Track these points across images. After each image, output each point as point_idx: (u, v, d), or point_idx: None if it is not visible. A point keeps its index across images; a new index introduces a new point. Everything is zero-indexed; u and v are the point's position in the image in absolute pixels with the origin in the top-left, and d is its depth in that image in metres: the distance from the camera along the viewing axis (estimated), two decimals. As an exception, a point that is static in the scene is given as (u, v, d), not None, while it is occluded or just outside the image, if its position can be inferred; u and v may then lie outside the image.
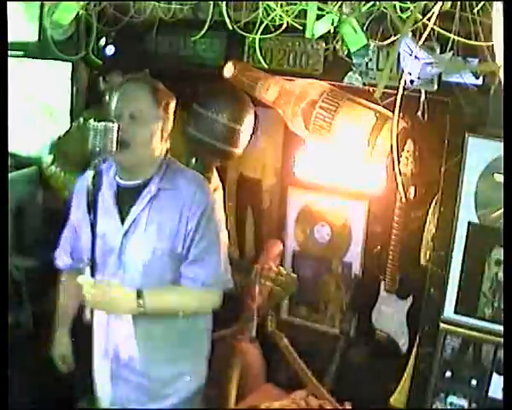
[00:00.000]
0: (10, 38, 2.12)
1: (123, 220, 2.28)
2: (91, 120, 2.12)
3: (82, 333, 2.59)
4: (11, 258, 3.07)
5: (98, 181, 2.14)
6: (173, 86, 2.36)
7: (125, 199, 2.29)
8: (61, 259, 2.56)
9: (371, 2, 2.20)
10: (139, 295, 2.20)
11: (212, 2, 2.62)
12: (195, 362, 2.46)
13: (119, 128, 2.14)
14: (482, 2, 2.02)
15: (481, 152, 2.49)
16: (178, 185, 2.27)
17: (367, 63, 2.69)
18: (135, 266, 2.27)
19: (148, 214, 2.25)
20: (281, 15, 2.38)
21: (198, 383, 2.46)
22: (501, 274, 2.51)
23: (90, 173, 2.14)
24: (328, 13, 2.23)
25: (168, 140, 2.33)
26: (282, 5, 2.36)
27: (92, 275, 2.21)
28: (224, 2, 2.53)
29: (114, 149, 2.12)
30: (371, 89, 2.69)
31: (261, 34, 2.57)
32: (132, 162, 2.25)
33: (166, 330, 2.35)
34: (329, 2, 2.21)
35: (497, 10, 1.75)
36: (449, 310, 2.61)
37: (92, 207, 2.15)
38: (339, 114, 2.75)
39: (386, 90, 2.41)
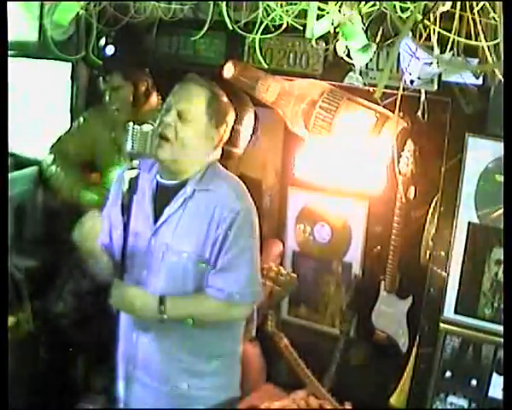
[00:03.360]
0: (10, 38, 2.12)
1: (156, 220, 2.25)
2: (130, 123, 2.13)
3: (102, 332, 2.59)
4: (11, 258, 3.07)
5: (134, 183, 2.13)
6: (173, 86, 2.36)
7: (162, 198, 2.27)
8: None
9: (371, 3, 2.20)
10: (161, 301, 2.17)
11: (212, 2, 2.62)
12: (223, 376, 2.38)
13: (162, 122, 2.17)
14: (482, 3, 2.02)
15: (481, 152, 2.50)
16: (213, 187, 2.24)
17: (367, 63, 2.69)
18: (159, 269, 2.24)
19: (180, 216, 2.23)
20: (281, 15, 2.38)
21: (226, 396, 2.39)
22: (501, 274, 2.51)
23: (126, 175, 2.14)
24: (328, 13, 2.23)
25: (218, 150, 2.32)
26: (282, 5, 2.36)
27: (121, 275, 2.21)
28: (224, 2, 2.53)
29: (150, 150, 2.13)
30: (371, 89, 2.69)
31: (261, 34, 2.57)
32: (169, 159, 2.22)
33: (188, 340, 2.29)
34: (329, 2, 2.21)
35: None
36: (449, 310, 2.62)
37: (126, 208, 2.15)
38: (339, 114, 2.75)
39: (386, 90, 2.42)
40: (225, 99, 2.31)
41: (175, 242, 2.22)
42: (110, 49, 3.04)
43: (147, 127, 2.12)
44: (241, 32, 2.61)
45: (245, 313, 2.38)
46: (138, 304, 2.20)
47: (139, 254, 2.26)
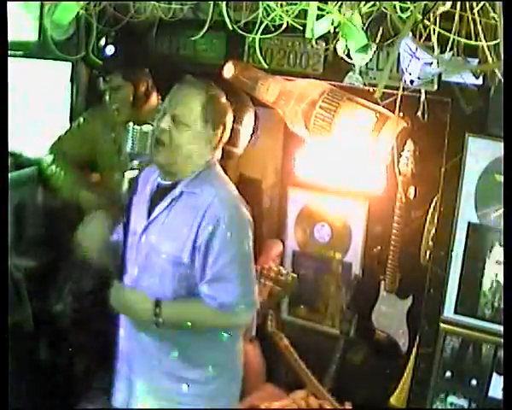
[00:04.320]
0: (10, 38, 2.12)
1: (149, 219, 2.26)
2: (130, 123, 2.13)
3: (102, 332, 2.60)
4: (11, 258, 3.07)
5: (134, 184, 2.15)
6: (173, 86, 2.36)
7: (157, 198, 2.27)
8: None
9: (371, 2, 2.20)
10: (157, 304, 2.16)
11: (212, 2, 2.62)
12: (217, 384, 2.33)
13: (158, 127, 2.16)
14: (482, 3, 2.02)
15: (481, 152, 2.50)
16: (201, 191, 2.21)
17: (367, 63, 2.69)
18: (145, 267, 2.24)
19: (166, 216, 2.22)
20: (281, 15, 2.38)
21: (220, 405, 2.34)
22: (501, 274, 2.51)
23: (126, 176, 2.16)
24: (328, 13, 2.23)
25: (217, 151, 2.30)
26: (282, 5, 2.36)
27: (120, 276, 2.22)
28: (224, 2, 2.53)
29: (150, 150, 2.13)
30: (371, 89, 2.69)
31: (261, 34, 2.57)
32: (166, 162, 2.21)
33: (181, 347, 2.26)
34: (329, 2, 2.21)
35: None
36: (449, 310, 2.62)
37: (126, 209, 2.16)
38: (339, 114, 2.75)
39: (386, 90, 2.42)
40: (223, 100, 2.29)
41: (158, 242, 2.22)
42: (110, 49, 3.03)
43: (147, 128, 2.13)
44: (241, 32, 2.61)
45: (242, 322, 2.34)
46: (134, 306, 2.20)
47: (132, 251, 2.27)
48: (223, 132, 2.29)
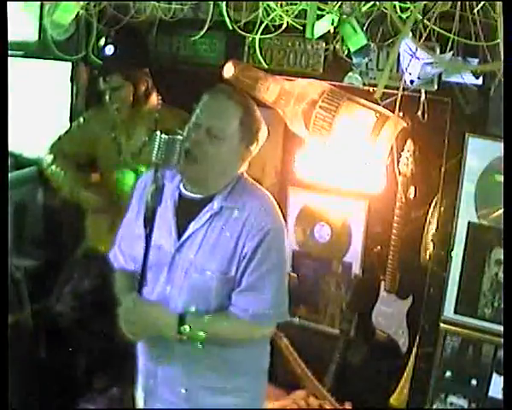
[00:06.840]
0: (10, 38, 2.12)
1: (180, 234, 2.13)
2: (158, 132, 2.02)
3: (102, 332, 2.57)
4: (11, 258, 3.07)
5: (159, 196, 2.02)
6: (173, 86, 2.35)
7: (186, 212, 2.14)
8: (117, 260, 2.35)
9: (371, 2, 2.20)
10: (182, 320, 2.07)
11: (212, 2, 2.62)
12: (248, 394, 2.26)
13: (189, 138, 2.05)
14: (482, 3, 2.02)
15: (481, 152, 2.50)
16: (243, 203, 2.11)
17: (367, 63, 2.69)
18: (182, 285, 2.13)
19: (205, 232, 2.10)
20: (281, 15, 2.39)
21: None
22: (501, 274, 2.51)
23: (151, 186, 2.02)
24: (328, 13, 2.23)
25: (247, 162, 2.21)
26: (282, 5, 2.37)
27: (140, 290, 2.11)
28: (224, 2, 2.54)
29: (177, 161, 2.01)
30: (371, 89, 2.69)
31: (261, 34, 2.57)
32: (197, 177, 2.12)
33: (210, 357, 2.17)
34: (329, 3, 2.21)
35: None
36: (449, 310, 2.62)
37: (149, 222, 2.03)
38: (339, 114, 2.75)
39: (386, 90, 2.42)
40: (258, 113, 2.18)
41: (199, 259, 2.11)
42: (110, 49, 3.03)
43: (174, 137, 2.01)
44: (241, 32, 2.61)
45: (269, 333, 2.28)
46: (158, 322, 2.11)
47: (161, 268, 2.16)
48: (255, 148, 2.19)
